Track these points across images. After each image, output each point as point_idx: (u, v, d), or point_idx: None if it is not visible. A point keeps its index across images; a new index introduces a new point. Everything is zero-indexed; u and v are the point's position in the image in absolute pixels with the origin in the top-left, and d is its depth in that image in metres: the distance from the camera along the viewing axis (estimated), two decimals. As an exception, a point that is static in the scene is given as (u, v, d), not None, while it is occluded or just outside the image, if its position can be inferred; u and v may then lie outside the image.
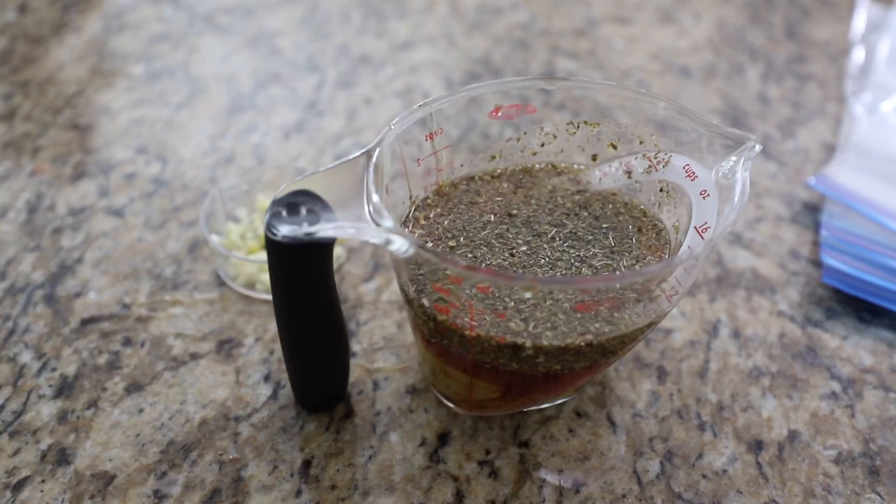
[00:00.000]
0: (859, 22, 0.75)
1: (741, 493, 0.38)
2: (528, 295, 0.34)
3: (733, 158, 0.36)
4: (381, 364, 0.44)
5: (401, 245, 0.31)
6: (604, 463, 0.40)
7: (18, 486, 0.37)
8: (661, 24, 0.76)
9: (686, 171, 0.38)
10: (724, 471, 0.39)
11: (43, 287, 0.48)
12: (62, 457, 0.39)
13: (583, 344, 0.34)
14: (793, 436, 0.41)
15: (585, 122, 0.41)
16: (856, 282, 0.48)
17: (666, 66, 0.70)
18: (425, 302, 0.34)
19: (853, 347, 0.46)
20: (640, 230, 0.39)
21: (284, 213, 0.32)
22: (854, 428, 0.42)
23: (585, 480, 0.39)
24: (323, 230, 0.31)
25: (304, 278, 0.34)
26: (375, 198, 0.32)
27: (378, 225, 0.31)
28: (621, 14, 0.77)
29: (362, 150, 0.34)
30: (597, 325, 0.34)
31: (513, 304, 0.34)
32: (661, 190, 0.39)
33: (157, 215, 0.53)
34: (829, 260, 0.49)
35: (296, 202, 0.32)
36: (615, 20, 0.76)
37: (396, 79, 0.67)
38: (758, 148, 0.36)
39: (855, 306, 0.49)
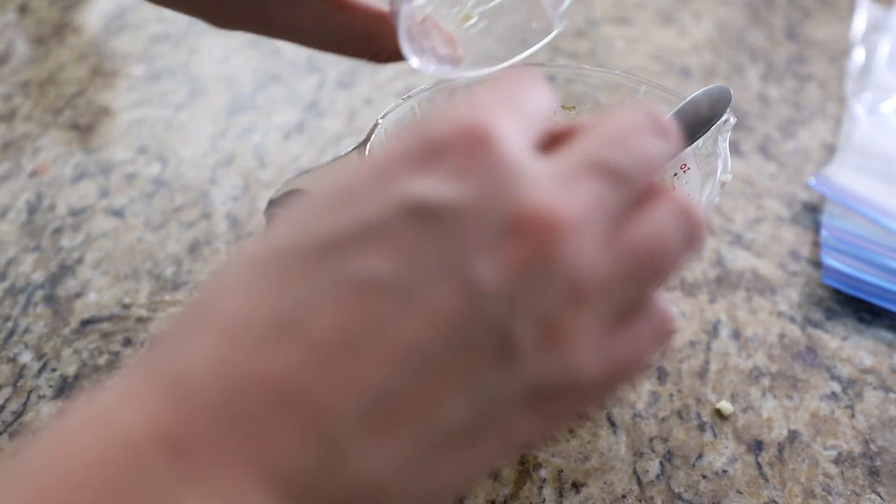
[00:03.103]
0: (860, 22, 0.75)
1: (741, 493, 0.38)
2: None
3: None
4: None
5: None
6: (604, 463, 0.40)
7: (18, 487, 0.37)
8: (661, 25, 0.76)
9: None
10: (724, 471, 0.39)
11: (43, 287, 0.48)
12: (62, 457, 0.39)
13: None
14: (793, 436, 0.41)
15: (563, 107, 0.42)
16: (856, 282, 0.48)
17: (666, 66, 0.70)
18: None
19: (853, 348, 0.46)
20: None
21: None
22: (854, 428, 0.42)
23: (585, 480, 0.39)
24: None
25: None
26: None
27: None
28: (622, 14, 0.77)
29: (353, 147, 0.34)
30: None
31: None
32: None
33: (158, 216, 0.53)
34: (830, 260, 0.49)
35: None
36: (615, 20, 0.76)
37: (397, 79, 0.67)
38: (732, 120, 0.37)
39: (855, 307, 0.49)
